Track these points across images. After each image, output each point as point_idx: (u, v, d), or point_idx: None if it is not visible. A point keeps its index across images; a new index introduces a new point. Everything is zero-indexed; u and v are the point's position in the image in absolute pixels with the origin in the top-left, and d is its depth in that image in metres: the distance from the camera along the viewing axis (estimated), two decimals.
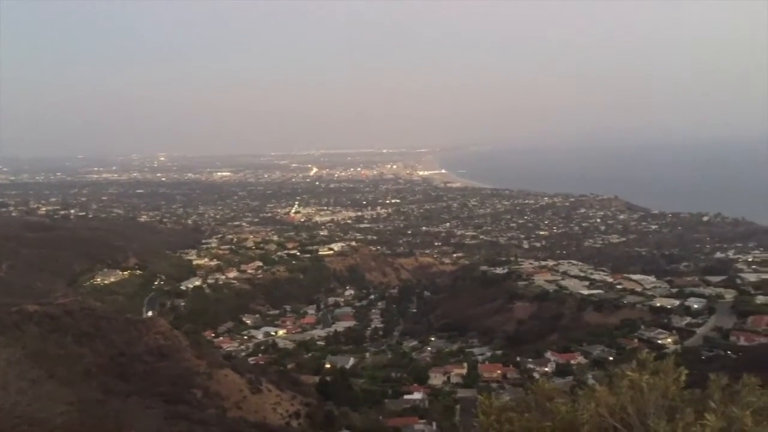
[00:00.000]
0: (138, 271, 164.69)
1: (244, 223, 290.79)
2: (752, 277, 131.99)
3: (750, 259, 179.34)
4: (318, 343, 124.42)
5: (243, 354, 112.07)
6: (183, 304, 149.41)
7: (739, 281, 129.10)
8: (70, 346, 57.96)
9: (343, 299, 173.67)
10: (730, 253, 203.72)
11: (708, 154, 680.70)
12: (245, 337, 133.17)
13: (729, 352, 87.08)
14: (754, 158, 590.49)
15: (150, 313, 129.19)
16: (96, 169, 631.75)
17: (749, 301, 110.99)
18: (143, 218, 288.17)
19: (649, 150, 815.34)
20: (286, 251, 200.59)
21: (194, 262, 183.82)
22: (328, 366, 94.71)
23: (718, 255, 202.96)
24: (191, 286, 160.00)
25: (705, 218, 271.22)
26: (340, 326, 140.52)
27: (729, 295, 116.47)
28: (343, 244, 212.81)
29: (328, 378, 77.16)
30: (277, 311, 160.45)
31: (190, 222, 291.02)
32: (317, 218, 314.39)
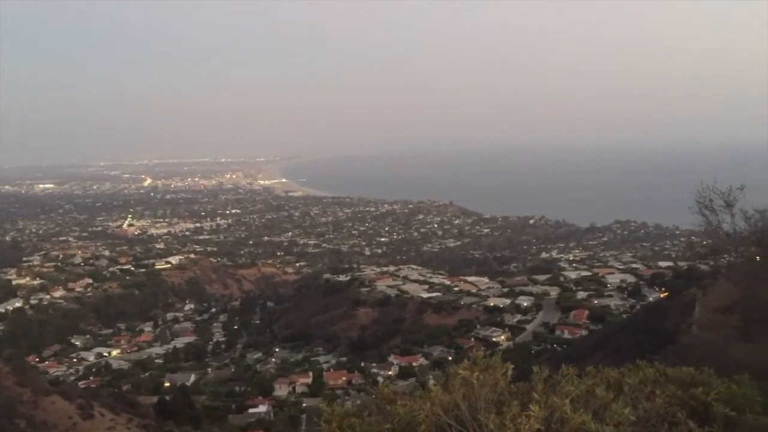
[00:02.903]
0: None
1: (71, 238, 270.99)
2: (573, 275, 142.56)
3: (571, 258, 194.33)
4: (156, 361, 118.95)
5: (72, 378, 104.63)
6: (2, 327, 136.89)
7: (562, 279, 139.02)
8: None
9: (182, 314, 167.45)
10: (554, 253, 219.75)
11: (545, 161, 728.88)
12: (74, 360, 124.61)
13: (555, 345, 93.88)
14: (586, 164, 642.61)
15: None
16: None
17: (571, 297, 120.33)
18: None
19: (487, 156, 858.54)
20: (118, 266, 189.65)
21: (14, 282, 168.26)
22: (167, 384, 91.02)
23: (544, 255, 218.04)
24: (11, 308, 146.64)
25: (531, 221, 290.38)
26: (180, 342, 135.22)
27: (554, 292, 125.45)
28: (181, 257, 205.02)
29: (167, 397, 73.97)
30: (110, 330, 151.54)
31: (8, 239, 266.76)
32: (153, 230, 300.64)
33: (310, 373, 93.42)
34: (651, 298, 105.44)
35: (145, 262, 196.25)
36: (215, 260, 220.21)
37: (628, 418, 7.19)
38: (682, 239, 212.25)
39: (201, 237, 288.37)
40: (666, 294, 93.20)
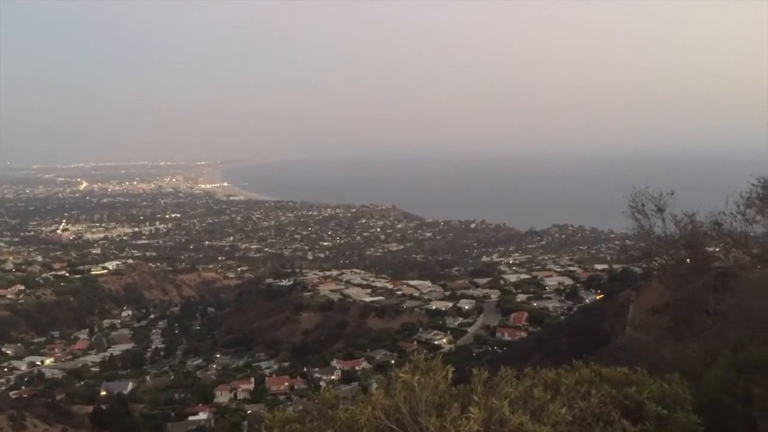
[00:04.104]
0: None
1: (1, 243, 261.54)
2: (513, 278, 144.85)
3: (511, 261, 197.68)
4: (92, 369, 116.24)
5: (3, 388, 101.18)
6: None
7: (502, 282, 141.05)
8: None
9: (119, 321, 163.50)
10: (494, 257, 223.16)
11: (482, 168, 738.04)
12: (5, 370, 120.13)
13: (495, 347, 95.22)
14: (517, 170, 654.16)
15: None
16: None
17: (511, 299, 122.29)
18: None
19: (432, 162, 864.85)
20: (52, 272, 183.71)
21: None
22: (103, 393, 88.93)
23: (484, 258, 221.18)
24: None
25: (472, 225, 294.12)
26: (117, 349, 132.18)
27: (494, 295, 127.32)
28: (118, 262, 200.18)
29: (103, 406, 72.08)
30: (43, 338, 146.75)
31: None
32: (89, 235, 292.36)
33: (252, 379, 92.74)
34: (587, 300, 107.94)
35: (81, 267, 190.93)
36: (154, 265, 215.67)
37: (565, 418, 7.37)
38: (616, 242, 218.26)
39: (139, 242, 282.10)
40: (602, 296, 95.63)
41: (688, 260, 19.85)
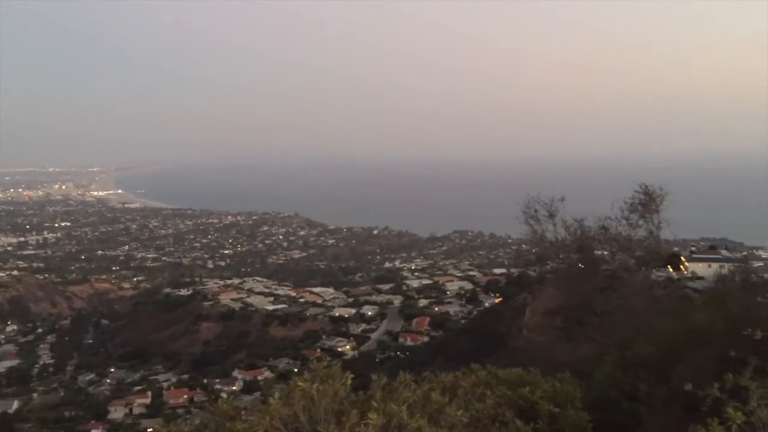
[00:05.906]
0: None
1: None
2: (415, 283, 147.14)
3: (413, 267, 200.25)
4: None
5: None
6: None
7: (404, 287, 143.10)
8: None
9: (3, 336, 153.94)
10: (397, 263, 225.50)
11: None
12: None
13: (398, 353, 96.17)
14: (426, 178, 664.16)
15: None
16: None
17: (413, 305, 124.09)
18: None
19: (335, 169, 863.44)
20: None
21: None
22: None
23: (387, 265, 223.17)
24: None
25: (375, 231, 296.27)
26: (1, 367, 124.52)
27: (397, 300, 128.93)
28: (2, 274, 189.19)
29: None
30: None
31: None
32: None
33: (149, 393, 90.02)
34: (487, 304, 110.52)
35: None
36: (42, 277, 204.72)
37: (461, 420, 7.52)
38: (513, 247, 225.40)
39: (25, 252, 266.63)
40: (500, 299, 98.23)
41: (578, 264, 20.73)
